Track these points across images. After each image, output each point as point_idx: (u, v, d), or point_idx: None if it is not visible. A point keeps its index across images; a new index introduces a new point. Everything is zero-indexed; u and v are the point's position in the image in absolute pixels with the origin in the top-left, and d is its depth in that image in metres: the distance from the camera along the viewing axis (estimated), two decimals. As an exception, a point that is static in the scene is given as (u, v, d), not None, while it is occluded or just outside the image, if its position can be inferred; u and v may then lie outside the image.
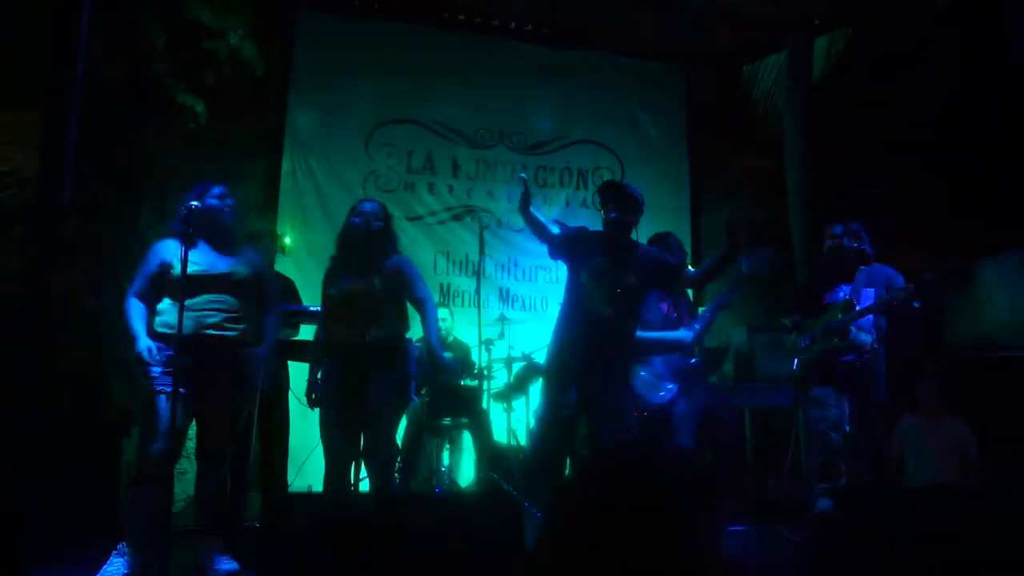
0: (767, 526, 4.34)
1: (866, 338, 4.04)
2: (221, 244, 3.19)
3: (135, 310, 3.08)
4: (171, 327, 2.98)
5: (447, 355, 3.73)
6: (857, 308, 4.01)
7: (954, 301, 5.12)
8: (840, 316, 4.02)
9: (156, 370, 2.97)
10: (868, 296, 4.05)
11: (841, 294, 4.09)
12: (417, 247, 5.83)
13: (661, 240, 4.21)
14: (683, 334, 4.17)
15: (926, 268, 3.90)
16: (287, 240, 5.53)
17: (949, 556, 2.75)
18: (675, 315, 4.24)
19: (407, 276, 3.42)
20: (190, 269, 2.98)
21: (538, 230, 3.53)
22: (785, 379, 4.98)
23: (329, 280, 3.45)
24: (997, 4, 4.76)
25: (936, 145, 5.24)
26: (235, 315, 3.14)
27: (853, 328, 4.02)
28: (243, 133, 5.44)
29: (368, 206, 3.46)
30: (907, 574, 2.74)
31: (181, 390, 2.89)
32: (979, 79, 5.03)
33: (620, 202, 3.48)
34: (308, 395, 3.45)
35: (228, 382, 3.11)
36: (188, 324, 2.99)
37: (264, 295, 3.29)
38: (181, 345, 2.91)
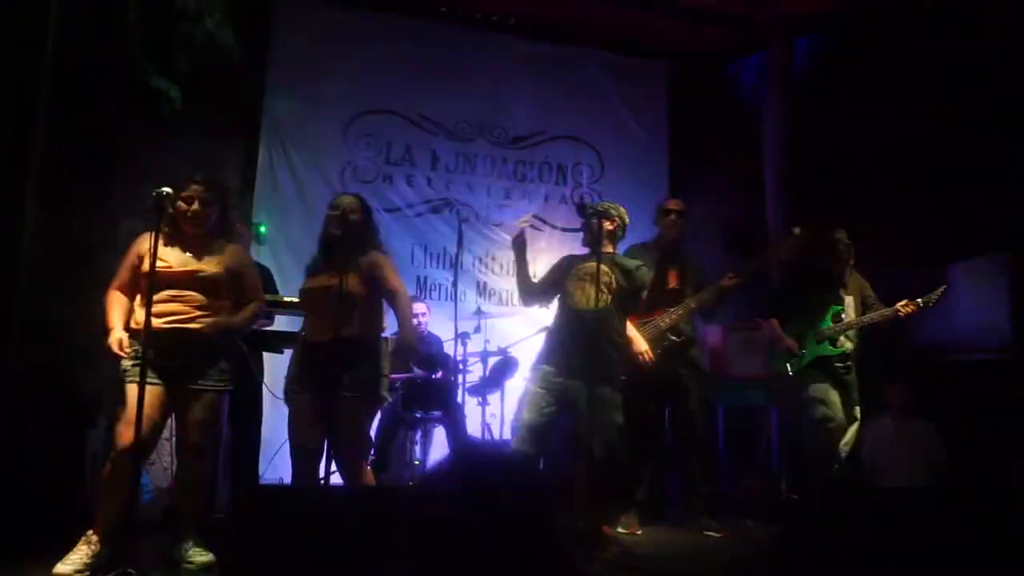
0: (738, 523, 4.38)
1: (849, 345, 4.23)
2: (191, 240, 3.13)
3: (114, 301, 3.07)
4: (137, 322, 2.96)
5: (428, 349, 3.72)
6: (844, 319, 4.14)
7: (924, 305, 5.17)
8: (831, 324, 4.14)
9: (129, 362, 2.95)
10: (849, 305, 4.25)
11: (836, 302, 4.21)
12: (394, 239, 5.78)
13: None
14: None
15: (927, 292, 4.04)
16: (263, 229, 5.47)
17: (915, 556, 2.79)
18: (679, 287, 4.33)
19: (380, 269, 3.34)
20: (158, 265, 2.91)
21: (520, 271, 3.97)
22: (770, 379, 4.99)
23: (308, 274, 3.41)
24: (979, 9, 4.81)
25: (910, 151, 5.29)
26: (201, 311, 3.08)
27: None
28: (218, 120, 5.34)
29: (345, 200, 3.40)
30: (876, 572, 2.77)
31: (146, 381, 2.82)
32: (958, 85, 5.07)
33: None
34: (285, 390, 3.39)
35: (197, 373, 3.07)
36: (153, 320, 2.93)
37: (242, 292, 3.22)
38: (152, 341, 2.85)
